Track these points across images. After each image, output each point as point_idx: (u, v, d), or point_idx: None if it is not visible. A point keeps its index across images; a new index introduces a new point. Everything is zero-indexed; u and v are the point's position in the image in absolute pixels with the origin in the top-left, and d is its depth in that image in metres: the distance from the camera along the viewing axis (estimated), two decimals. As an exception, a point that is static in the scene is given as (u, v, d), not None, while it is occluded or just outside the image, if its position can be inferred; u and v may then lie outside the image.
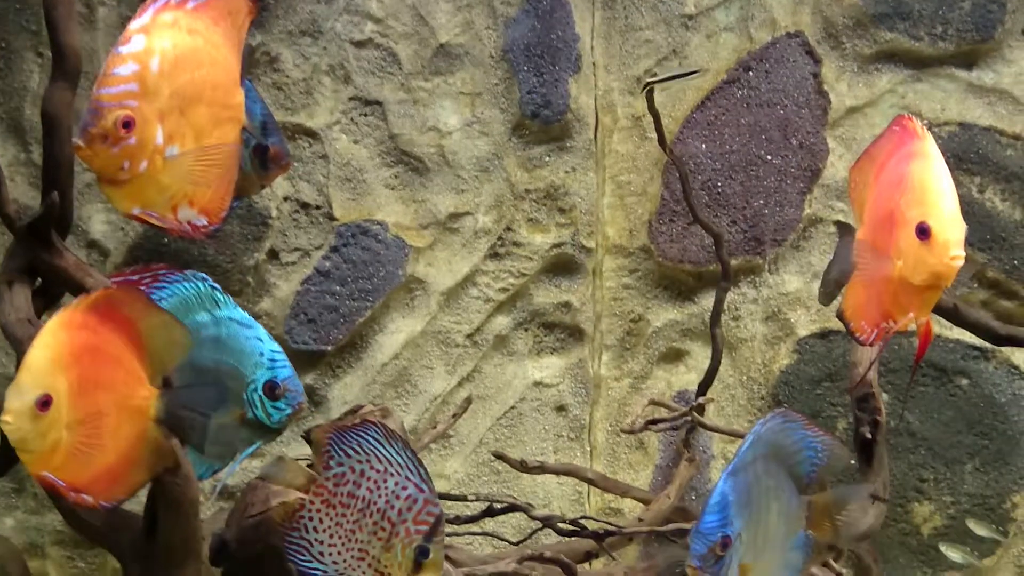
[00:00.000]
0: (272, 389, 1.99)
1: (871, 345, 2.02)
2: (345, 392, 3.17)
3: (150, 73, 1.85)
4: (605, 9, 3.29)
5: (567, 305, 3.28)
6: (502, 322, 3.27)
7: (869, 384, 2.48)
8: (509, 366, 3.28)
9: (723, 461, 3.29)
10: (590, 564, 2.78)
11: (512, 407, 3.26)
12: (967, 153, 3.20)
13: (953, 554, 3.09)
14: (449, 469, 3.24)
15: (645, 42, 3.28)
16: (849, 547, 2.84)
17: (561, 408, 3.28)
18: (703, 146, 3.25)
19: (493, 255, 3.24)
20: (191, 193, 1.92)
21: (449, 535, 2.48)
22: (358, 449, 1.95)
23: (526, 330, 3.29)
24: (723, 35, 3.26)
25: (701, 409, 3.01)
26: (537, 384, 3.28)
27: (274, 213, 3.17)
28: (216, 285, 2.01)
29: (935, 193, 1.86)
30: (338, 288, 3.16)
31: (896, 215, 1.89)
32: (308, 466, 2.10)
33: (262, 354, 2.00)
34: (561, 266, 3.27)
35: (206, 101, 1.93)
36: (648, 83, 2.92)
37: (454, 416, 2.62)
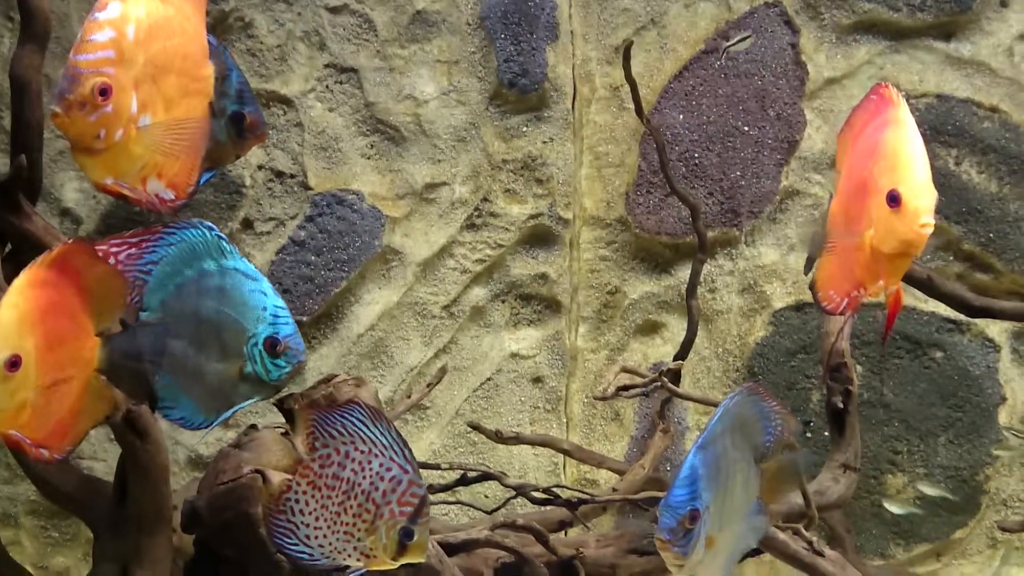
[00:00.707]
0: (273, 345, 1.94)
1: (840, 315, 2.01)
2: (321, 363, 3.15)
3: (126, 40, 1.83)
4: (583, -23, 3.28)
5: (544, 277, 3.26)
6: (479, 293, 3.25)
7: (841, 354, 2.48)
8: (486, 338, 3.27)
9: (698, 432, 3.28)
10: (565, 533, 2.78)
11: (488, 378, 3.25)
12: (944, 125, 3.19)
13: (894, 508, 3.12)
14: (425, 440, 3.23)
15: (623, 11, 3.25)
16: (821, 516, 2.86)
17: (537, 380, 3.27)
18: (680, 117, 3.23)
19: (470, 226, 3.22)
20: (160, 165, 1.89)
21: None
22: (343, 430, 1.93)
23: (503, 302, 3.28)
24: (701, 4, 3.24)
25: (677, 378, 3.00)
26: (514, 356, 3.26)
27: (248, 182, 3.13)
28: (223, 235, 1.97)
29: (906, 160, 1.83)
30: (313, 258, 3.13)
31: (869, 183, 1.87)
32: (283, 435, 2.09)
33: (264, 308, 1.95)
34: (538, 237, 3.25)
35: (176, 71, 1.90)
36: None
37: (428, 386, 2.61)
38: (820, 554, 2.27)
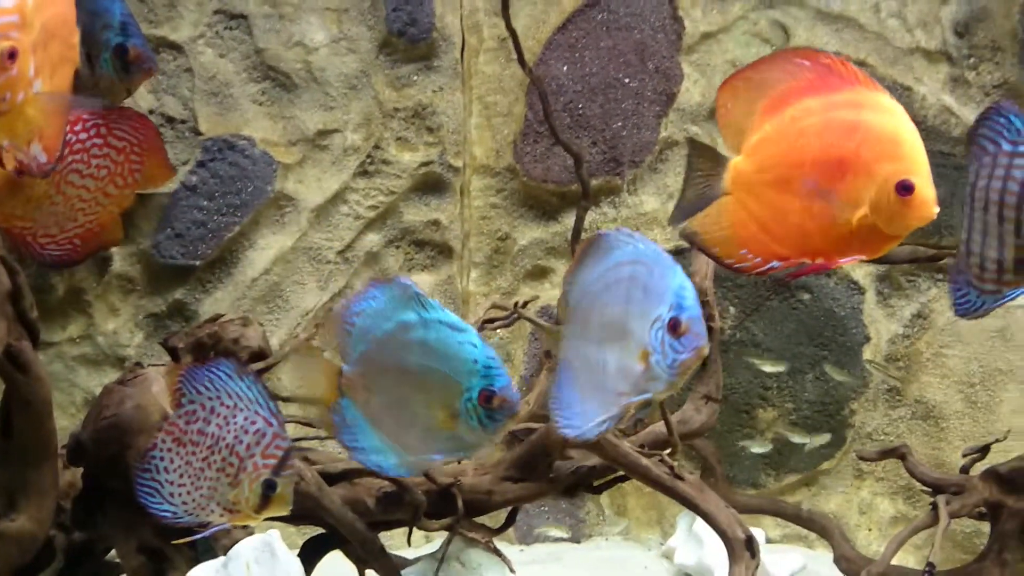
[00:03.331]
0: (488, 399, 1.82)
1: (761, 275, 2.03)
2: (215, 307, 3.16)
3: (27, 7, 1.82)
4: (469, -71, 3.31)
5: (436, 223, 3.32)
6: (373, 239, 3.30)
7: (705, 292, 2.58)
8: (380, 282, 3.32)
9: (584, 372, 3.40)
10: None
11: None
12: (813, 79, 3.32)
13: (754, 447, 3.27)
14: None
15: (509, -37, 3.31)
16: (692, 446, 2.99)
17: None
18: (564, 68, 3.29)
19: (363, 173, 3.25)
20: (42, 129, 1.90)
21: (312, 439, 2.53)
22: (209, 386, 1.92)
23: (397, 247, 3.33)
24: (585, -41, 3.32)
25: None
26: (407, 299, 3.33)
27: (141, 128, 3.12)
28: (421, 291, 1.87)
29: (912, 148, 1.85)
30: (206, 203, 3.13)
31: (855, 164, 1.87)
32: (167, 373, 2.11)
33: (476, 361, 1.83)
34: (430, 185, 3.30)
35: (59, 38, 1.91)
36: None
37: (316, 326, 2.65)
38: (680, 478, 2.38)
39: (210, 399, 1.92)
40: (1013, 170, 1.99)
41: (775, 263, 1.95)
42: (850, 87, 1.90)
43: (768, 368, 3.14)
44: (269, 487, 1.88)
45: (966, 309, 2.10)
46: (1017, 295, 2.05)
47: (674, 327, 1.79)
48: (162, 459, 1.93)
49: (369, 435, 1.89)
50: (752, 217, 1.96)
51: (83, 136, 2.20)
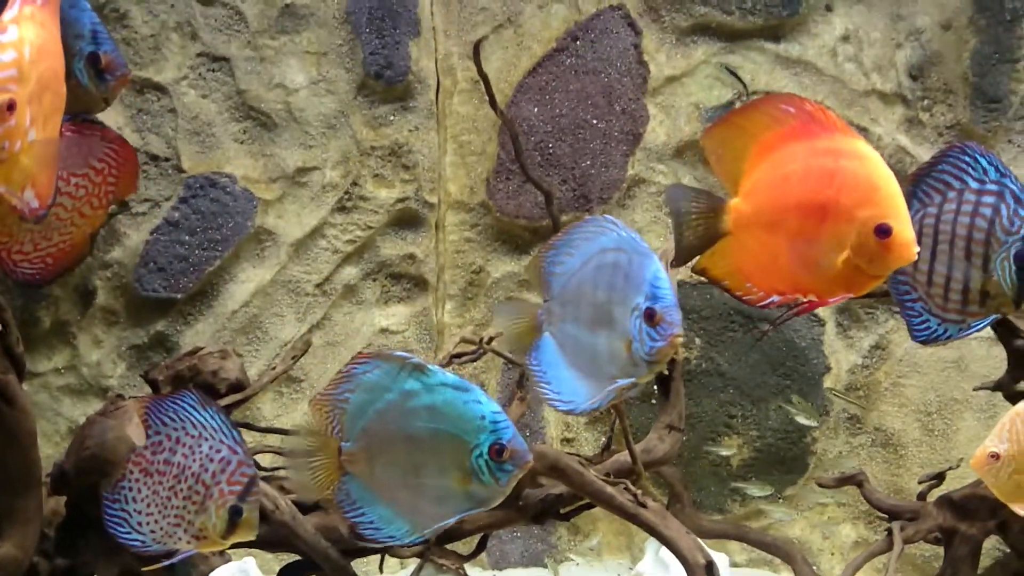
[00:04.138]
0: (499, 452, 1.86)
1: (763, 307, 2.11)
2: (196, 338, 3.23)
3: (24, 61, 1.92)
4: (443, -22, 3.42)
5: (412, 257, 3.41)
6: (350, 272, 3.38)
7: (670, 325, 2.66)
8: (357, 314, 3.39)
9: (556, 401, 3.48)
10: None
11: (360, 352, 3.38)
12: (772, 120, 3.43)
13: (754, 490, 3.36)
14: (299, 411, 3.33)
15: (482, 10, 3.40)
16: (658, 473, 3.06)
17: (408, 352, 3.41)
18: (535, 109, 3.40)
19: (341, 208, 3.34)
20: (35, 176, 1.99)
21: (283, 467, 2.58)
22: (174, 417, 1.97)
23: (374, 280, 3.41)
24: (554, 6, 3.40)
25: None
26: (384, 331, 3.40)
27: (125, 165, 3.20)
28: (420, 360, 1.92)
29: (888, 194, 1.93)
30: (187, 237, 3.21)
31: (835, 210, 1.93)
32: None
33: (483, 417, 1.87)
34: (406, 220, 3.38)
35: (51, 90, 2.00)
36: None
37: (293, 357, 2.71)
38: (643, 505, 2.45)
39: (175, 430, 1.97)
40: (981, 207, 2.10)
41: (775, 297, 2.04)
42: (830, 134, 1.99)
43: (802, 421, 3.23)
44: (235, 513, 1.92)
45: (927, 336, 2.20)
46: (983, 325, 2.17)
47: (650, 316, 1.87)
48: (130, 489, 2.00)
49: (376, 507, 1.91)
50: (752, 255, 2.04)
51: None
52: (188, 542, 1.96)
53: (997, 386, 2.72)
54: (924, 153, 3.39)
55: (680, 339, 1.89)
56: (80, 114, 2.17)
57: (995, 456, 2.27)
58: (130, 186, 2.41)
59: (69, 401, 3.24)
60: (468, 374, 3.46)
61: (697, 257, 2.09)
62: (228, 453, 1.94)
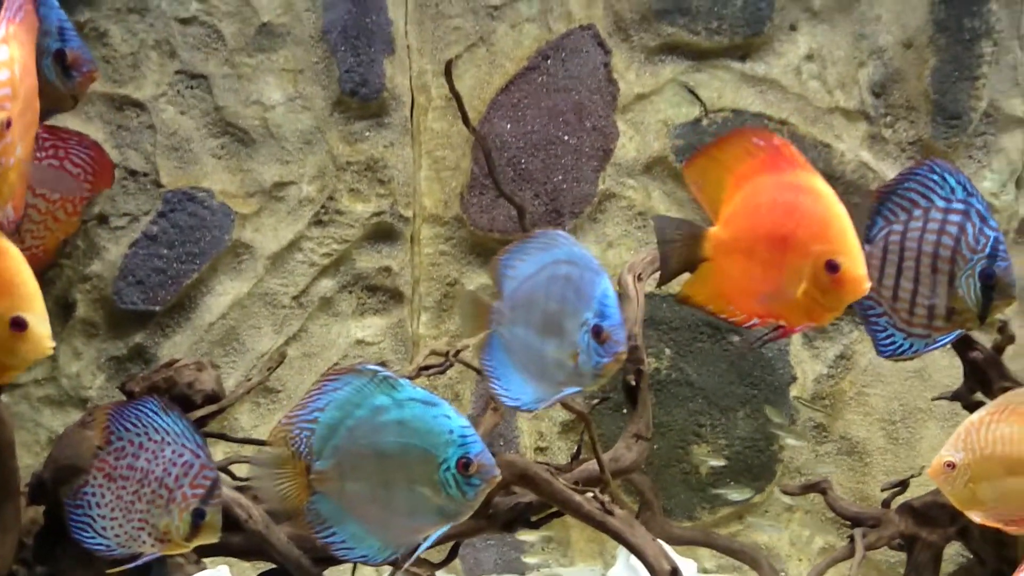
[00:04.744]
0: (466, 466, 1.88)
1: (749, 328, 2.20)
2: (174, 350, 3.26)
3: (15, 80, 1.97)
4: (417, -4, 3.47)
5: (388, 270, 3.45)
6: (327, 285, 3.42)
7: (635, 338, 2.72)
8: (334, 326, 3.44)
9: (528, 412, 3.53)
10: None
11: (336, 364, 3.39)
12: (739, 137, 3.49)
13: (733, 494, 3.41)
14: (276, 423, 3.36)
15: (455, 29, 3.46)
16: (629, 481, 3.11)
17: (382, 365, 3.45)
18: (508, 126, 3.46)
19: (317, 222, 3.39)
20: (15, 189, 2.03)
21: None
22: (136, 423, 2.01)
23: (350, 292, 3.46)
24: (526, 25, 3.46)
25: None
26: (359, 342, 3.44)
27: (104, 180, 3.24)
28: (390, 374, 1.94)
29: (839, 230, 2.01)
30: (166, 251, 3.25)
31: (794, 244, 2.02)
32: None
33: (451, 431, 1.89)
34: (382, 233, 3.43)
35: (31, 106, 2.04)
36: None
37: (268, 369, 2.75)
38: (611, 513, 2.51)
39: (138, 435, 2.01)
40: (947, 226, 2.17)
41: (755, 319, 2.14)
42: (792, 170, 2.08)
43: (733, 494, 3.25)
44: (199, 515, 1.96)
45: (892, 350, 2.27)
46: (949, 340, 2.24)
47: (597, 333, 1.94)
48: (93, 495, 2.03)
49: (347, 525, 1.93)
50: (731, 279, 2.13)
51: (39, 155, 2.26)
52: (152, 545, 1.99)
53: (955, 396, 2.80)
54: (886, 168, 3.47)
55: (624, 356, 1.97)
56: (51, 111, 2.19)
57: (951, 465, 2.31)
58: (102, 189, 2.40)
59: (49, 412, 3.27)
60: (443, 384, 3.51)
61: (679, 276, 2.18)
62: (191, 457, 1.98)
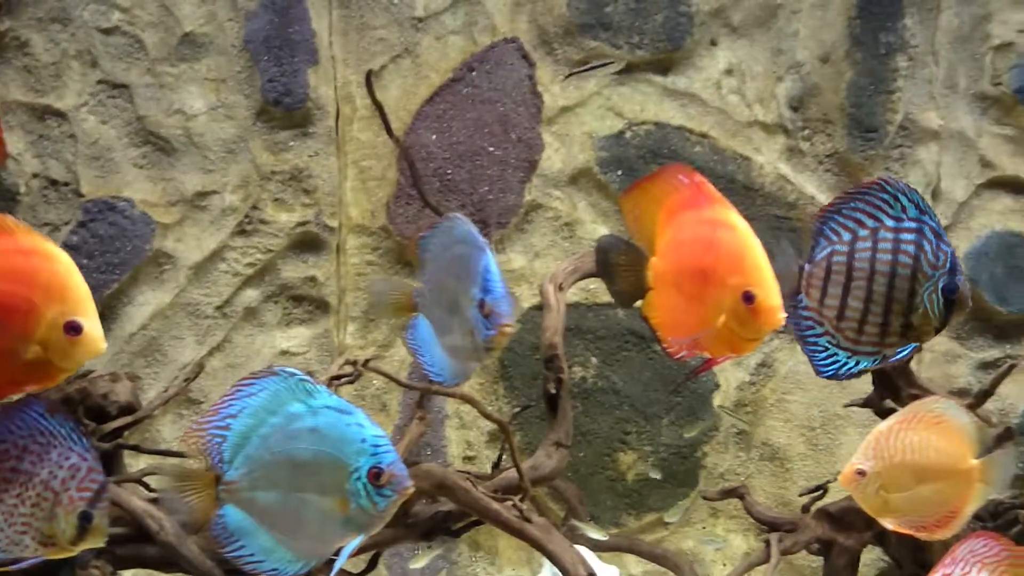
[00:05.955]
0: (377, 476, 1.84)
1: (681, 360, 2.24)
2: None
3: None
4: (341, 8, 3.43)
5: (313, 279, 3.44)
6: (251, 295, 3.40)
7: (555, 347, 2.75)
8: (259, 336, 3.41)
9: (457, 420, 3.54)
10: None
11: (258, 373, 3.40)
12: (661, 149, 3.49)
13: (592, 532, 3.38)
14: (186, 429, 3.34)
15: (379, 40, 3.45)
16: (536, 487, 3.12)
17: (308, 375, 3.43)
18: (433, 137, 3.47)
19: (241, 232, 3.36)
20: None
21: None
22: (21, 425, 1.96)
23: (275, 302, 3.43)
24: (450, 37, 3.47)
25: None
26: (284, 353, 3.42)
27: (23, 189, 3.19)
28: (307, 377, 1.91)
29: (754, 263, 2.07)
30: (86, 261, 3.20)
31: (713, 277, 2.09)
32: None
33: (364, 440, 1.85)
34: (307, 243, 3.42)
35: None
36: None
37: (186, 380, 2.73)
38: (528, 520, 2.53)
39: (22, 438, 1.96)
40: (902, 245, 2.22)
41: (684, 352, 2.20)
42: (710, 205, 2.15)
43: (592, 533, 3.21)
44: (85, 519, 1.92)
45: (835, 370, 2.30)
46: (906, 353, 2.28)
47: (481, 307, 2.00)
48: None
49: (255, 538, 1.89)
50: (669, 310, 2.19)
51: None
52: (36, 549, 1.95)
53: (866, 403, 2.86)
54: (804, 181, 3.54)
55: (509, 329, 2.02)
56: None
57: (861, 473, 2.35)
58: None
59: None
60: (371, 395, 3.51)
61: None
62: (77, 460, 1.94)
